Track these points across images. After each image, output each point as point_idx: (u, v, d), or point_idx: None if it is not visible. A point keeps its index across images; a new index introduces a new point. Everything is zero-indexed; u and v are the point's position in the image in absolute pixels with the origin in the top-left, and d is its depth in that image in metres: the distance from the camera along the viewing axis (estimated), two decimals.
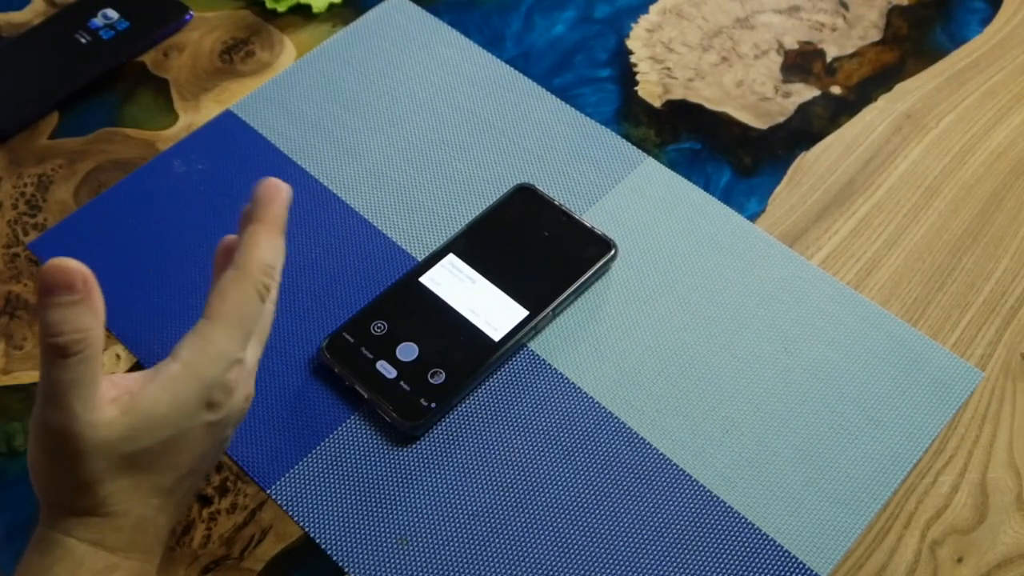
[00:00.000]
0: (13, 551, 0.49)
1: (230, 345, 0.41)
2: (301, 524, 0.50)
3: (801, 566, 0.48)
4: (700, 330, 0.55)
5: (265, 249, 0.42)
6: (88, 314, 0.38)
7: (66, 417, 0.38)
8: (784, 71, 0.67)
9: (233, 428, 0.43)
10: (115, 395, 0.39)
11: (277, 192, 0.43)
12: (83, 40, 0.69)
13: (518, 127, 0.64)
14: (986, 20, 0.70)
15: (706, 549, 0.48)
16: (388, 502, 0.50)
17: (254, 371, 0.43)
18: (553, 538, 0.49)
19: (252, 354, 0.43)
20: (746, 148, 0.63)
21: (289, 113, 0.65)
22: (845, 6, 0.71)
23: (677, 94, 0.66)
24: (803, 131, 0.64)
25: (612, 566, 0.48)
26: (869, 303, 0.56)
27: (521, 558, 0.48)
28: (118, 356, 0.55)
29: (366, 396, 0.52)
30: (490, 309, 0.54)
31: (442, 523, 0.49)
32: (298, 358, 0.55)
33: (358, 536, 0.49)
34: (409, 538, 0.49)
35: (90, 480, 0.39)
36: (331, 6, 0.71)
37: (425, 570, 0.48)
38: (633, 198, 0.61)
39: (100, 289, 0.39)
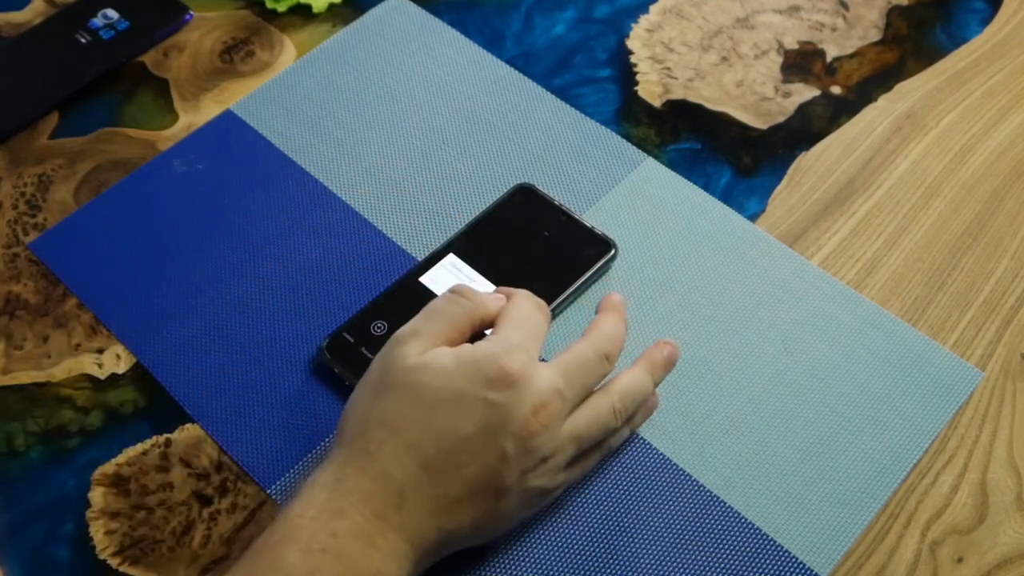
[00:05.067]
0: (16, 551, 0.49)
1: (509, 334, 0.45)
2: None
3: (801, 566, 0.48)
4: (700, 330, 0.55)
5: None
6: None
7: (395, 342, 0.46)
8: (784, 71, 0.67)
9: (537, 468, 0.44)
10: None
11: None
12: (83, 40, 0.69)
13: (518, 127, 0.64)
14: (986, 20, 0.70)
15: (706, 549, 0.48)
16: None
17: (559, 399, 0.44)
18: (553, 538, 0.49)
19: (565, 384, 0.44)
20: (746, 148, 0.63)
21: (289, 113, 0.65)
22: (845, 6, 0.71)
23: (677, 94, 0.66)
24: (803, 131, 0.64)
25: (612, 566, 0.48)
26: (869, 303, 0.56)
27: (521, 558, 0.48)
28: (118, 356, 0.55)
29: None
30: None
31: None
32: (298, 358, 0.55)
33: None
34: None
35: (367, 385, 0.45)
36: (331, 6, 0.72)
37: (424, 570, 0.48)
38: (633, 198, 0.61)
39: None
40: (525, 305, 0.48)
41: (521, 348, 0.44)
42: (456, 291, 0.48)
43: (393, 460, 0.42)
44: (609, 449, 0.48)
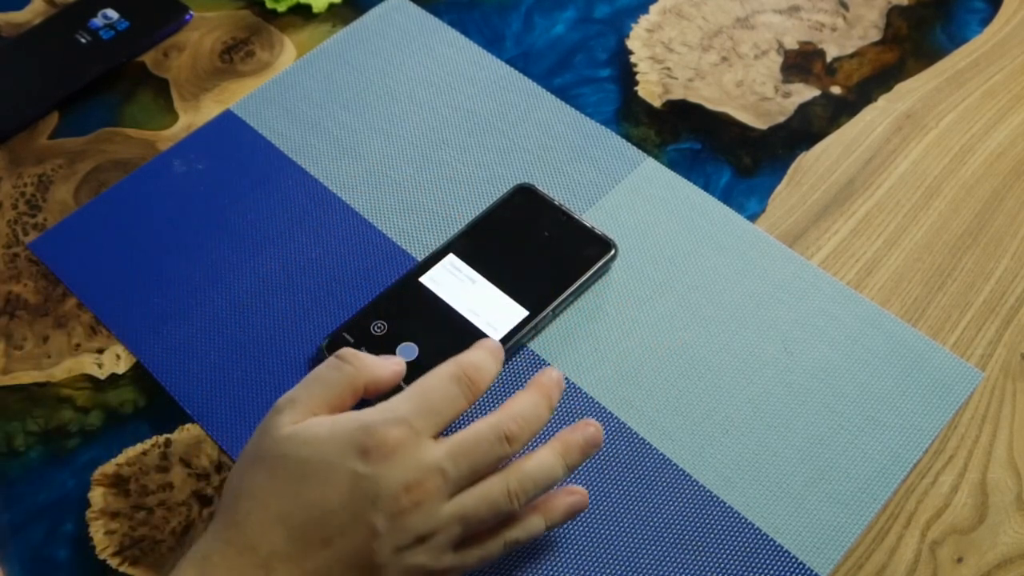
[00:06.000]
0: (16, 551, 0.49)
1: (400, 404, 0.43)
2: None
3: (801, 566, 0.48)
4: (700, 330, 0.55)
5: (477, 352, 0.46)
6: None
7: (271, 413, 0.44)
8: (784, 71, 0.67)
9: (399, 550, 0.40)
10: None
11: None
12: (83, 40, 0.69)
13: (518, 127, 0.64)
14: (986, 20, 0.70)
15: (706, 549, 0.48)
16: None
17: (438, 474, 0.41)
18: (553, 537, 0.49)
19: (439, 449, 0.42)
20: (746, 148, 0.63)
21: (289, 113, 0.65)
22: (845, 6, 0.71)
23: (677, 94, 0.66)
24: (803, 131, 0.64)
25: (612, 566, 0.48)
26: (869, 303, 0.56)
27: (521, 558, 0.48)
28: (118, 356, 0.55)
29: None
30: (490, 309, 0.54)
31: None
32: (298, 358, 0.55)
33: None
34: None
35: (239, 463, 0.43)
36: (331, 6, 0.72)
37: None
38: (633, 198, 0.61)
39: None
40: (435, 376, 0.44)
41: (403, 422, 0.41)
42: (340, 356, 0.45)
43: (259, 533, 0.40)
44: (515, 542, 0.44)
